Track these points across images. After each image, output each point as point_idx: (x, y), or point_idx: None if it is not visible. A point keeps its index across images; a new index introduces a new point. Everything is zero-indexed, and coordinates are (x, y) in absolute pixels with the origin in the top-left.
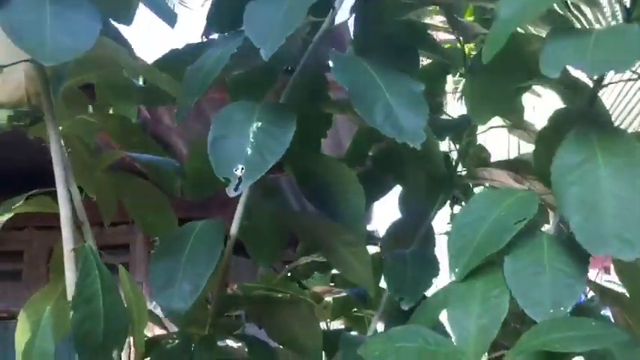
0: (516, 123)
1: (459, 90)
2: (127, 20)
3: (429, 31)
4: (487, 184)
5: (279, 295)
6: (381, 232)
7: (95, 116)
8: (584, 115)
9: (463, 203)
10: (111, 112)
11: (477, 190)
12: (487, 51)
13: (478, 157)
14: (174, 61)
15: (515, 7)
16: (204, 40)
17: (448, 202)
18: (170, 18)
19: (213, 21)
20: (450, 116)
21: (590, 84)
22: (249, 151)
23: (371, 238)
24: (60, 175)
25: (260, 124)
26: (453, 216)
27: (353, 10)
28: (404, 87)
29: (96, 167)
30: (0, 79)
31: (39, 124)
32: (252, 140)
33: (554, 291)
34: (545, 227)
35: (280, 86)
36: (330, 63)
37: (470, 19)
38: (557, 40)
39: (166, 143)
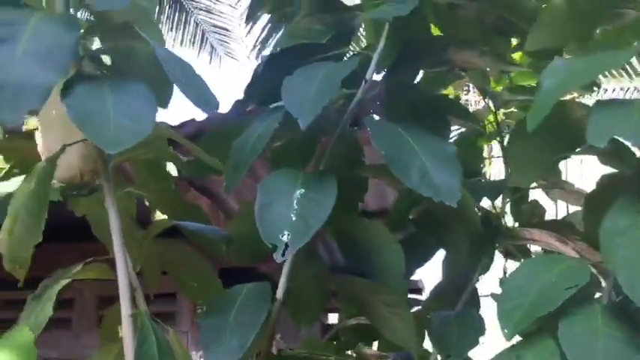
0: (555, 183)
1: (492, 154)
2: (163, 104)
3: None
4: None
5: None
6: (425, 282)
7: (139, 188)
8: (631, 181)
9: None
10: None
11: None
12: (531, 120)
13: (532, 213)
14: (218, 136)
15: (559, 78)
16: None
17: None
18: (210, 103)
19: (252, 95)
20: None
21: (637, 152)
22: (294, 217)
23: (415, 289)
24: (118, 245)
25: (303, 190)
26: (505, 269)
27: (384, 79)
28: (437, 148)
29: (144, 237)
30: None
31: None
32: (297, 207)
33: (608, 356)
34: (597, 295)
35: (319, 154)
36: (368, 130)
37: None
38: (602, 111)
39: (213, 194)
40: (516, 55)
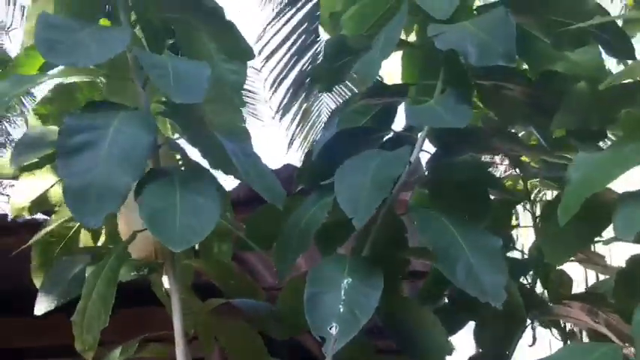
0: (587, 258)
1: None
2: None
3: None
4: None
5: None
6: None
7: (197, 262)
8: None
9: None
10: None
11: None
12: (562, 215)
13: (560, 282)
14: (266, 213)
15: (586, 174)
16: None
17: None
18: (276, 193)
19: (303, 178)
20: (520, 250)
21: None
22: (342, 308)
23: None
24: (178, 326)
25: (350, 280)
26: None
27: (429, 163)
28: (483, 243)
29: (201, 310)
30: None
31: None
32: (344, 297)
33: None
34: None
35: (363, 234)
36: (414, 222)
37: None
38: (630, 204)
39: (243, 260)
40: None
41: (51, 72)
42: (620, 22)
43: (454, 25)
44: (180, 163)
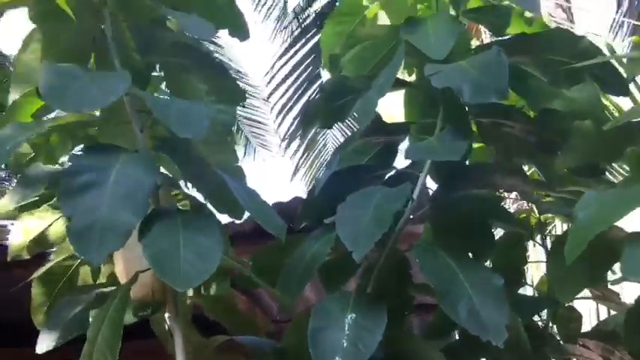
0: (601, 293)
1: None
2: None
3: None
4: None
5: None
6: None
7: (199, 299)
8: None
9: None
10: None
11: None
12: (569, 253)
13: (569, 318)
14: (270, 250)
15: (593, 213)
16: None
17: None
18: (278, 227)
19: (307, 214)
20: (531, 285)
21: None
22: (345, 343)
23: None
24: None
25: (354, 315)
26: None
27: (432, 199)
28: (484, 281)
29: (204, 346)
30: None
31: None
32: (348, 332)
33: None
34: None
35: (367, 270)
36: (416, 260)
37: None
38: (638, 244)
39: (250, 291)
40: None
41: (49, 117)
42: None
43: (450, 65)
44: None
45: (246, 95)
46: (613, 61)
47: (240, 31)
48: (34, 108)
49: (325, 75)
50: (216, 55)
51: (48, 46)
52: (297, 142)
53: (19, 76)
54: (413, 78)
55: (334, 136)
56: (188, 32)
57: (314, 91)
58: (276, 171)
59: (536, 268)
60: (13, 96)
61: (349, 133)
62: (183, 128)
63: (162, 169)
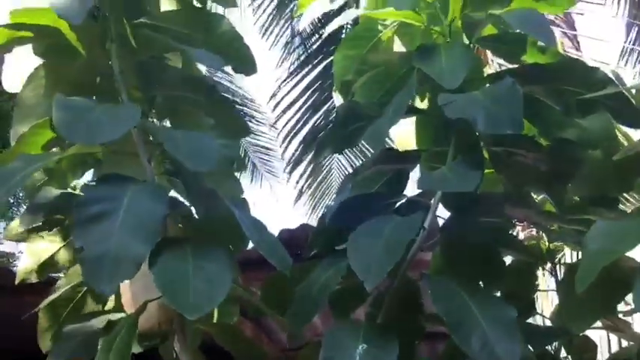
0: (613, 323)
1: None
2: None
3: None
4: None
5: None
6: None
7: (207, 326)
8: None
9: None
10: None
11: None
12: (579, 283)
13: (584, 348)
14: (279, 278)
15: (603, 243)
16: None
17: None
18: (283, 259)
19: (317, 242)
20: (541, 314)
21: None
22: None
23: None
24: None
25: (365, 346)
26: None
27: (443, 228)
28: (497, 312)
29: None
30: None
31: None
32: None
33: None
34: None
35: (377, 299)
36: (429, 291)
37: None
38: None
39: (268, 331)
40: None
41: (57, 149)
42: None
43: (463, 95)
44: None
45: (253, 122)
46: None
47: (247, 66)
48: (43, 140)
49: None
50: (223, 81)
51: (54, 80)
52: (301, 167)
53: (23, 111)
54: (425, 104)
55: (339, 162)
56: (197, 62)
57: (320, 117)
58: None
59: (546, 296)
60: (18, 129)
61: (354, 159)
62: (193, 161)
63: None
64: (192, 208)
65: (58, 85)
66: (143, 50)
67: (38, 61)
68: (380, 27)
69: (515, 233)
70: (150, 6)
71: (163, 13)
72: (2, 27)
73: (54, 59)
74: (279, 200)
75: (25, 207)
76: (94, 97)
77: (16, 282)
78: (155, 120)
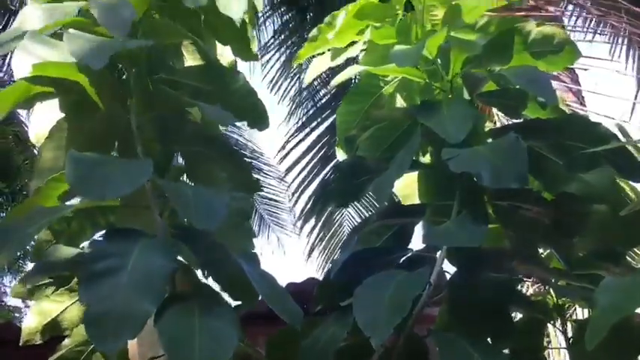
0: None
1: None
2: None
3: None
4: None
5: None
6: None
7: None
8: None
9: None
10: None
11: None
12: (590, 340)
13: None
14: (286, 333)
15: (613, 299)
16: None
17: None
18: (293, 315)
19: (323, 297)
20: None
21: None
22: None
23: None
24: None
25: None
26: None
27: (449, 283)
28: None
29: None
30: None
31: None
32: None
33: None
34: None
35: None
36: (437, 349)
37: None
38: None
39: None
40: None
41: (71, 202)
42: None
43: (467, 149)
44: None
45: (261, 174)
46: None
47: (260, 121)
48: (58, 192)
49: (339, 155)
50: (232, 134)
51: (74, 134)
52: (312, 221)
53: (44, 164)
54: (427, 157)
55: (350, 216)
56: (209, 119)
57: (329, 170)
58: (291, 250)
59: (558, 353)
60: (37, 182)
61: (366, 213)
62: (201, 219)
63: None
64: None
65: (78, 139)
66: (161, 105)
67: (62, 114)
68: (381, 83)
69: (524, 288)
70: (173, 61)
71: (182, 68)
72: (24, 80)
73: (74, 113)
74: (286, 253)
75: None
76: (114, 151)
77: (21, 343)
78: (171, 177)
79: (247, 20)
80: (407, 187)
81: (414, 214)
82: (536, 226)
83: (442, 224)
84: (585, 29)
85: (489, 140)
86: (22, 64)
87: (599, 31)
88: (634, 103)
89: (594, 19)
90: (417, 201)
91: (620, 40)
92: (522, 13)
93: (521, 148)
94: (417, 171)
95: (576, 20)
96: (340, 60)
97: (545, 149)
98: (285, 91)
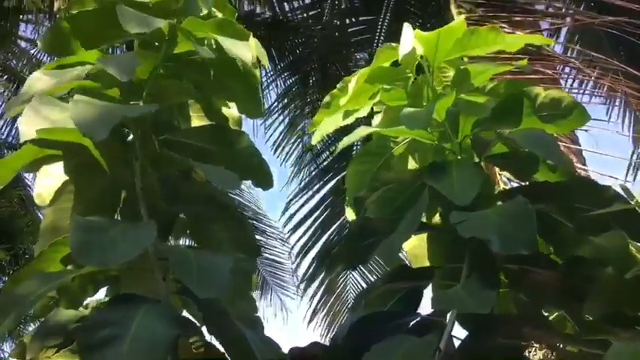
0: None
1: None
2: None
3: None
4: None
5: None
6: None
7: None
8: None
9: None
10: None
11: None
12: None
13: None
14: None
15: None
16: None
17: None
18: None
19: None
20: None
21: None
22: None
23: None
24: None
25: None
26: None
27: (460, 350)
28: None
29: None
30: None
31: None
32: None
33: None
34: None
35: None
36: None
37: None
38: None
39: None
40: None
41: (74, 267)
42: None
43: (476, 213)
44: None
45: (264, 236)
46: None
47: (264, 181)
48: (61, 255)
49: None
50: (235, 196)
51: (80, 196)
52: (315, 283)
53: (49, 226)
54: (437, 217)
55: (354, 278)
56: (214, 182)
57: (332, 232)
58: (293, 312)
59: None
60: (41, 245)
61: (370, 276)
62: (204, 288)
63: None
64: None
65: (83, 201)
66: (166, 166)
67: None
68: (391, 144)
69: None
70: (179, 120)
71: (187, 129)
72: (30, 143)
73: (80, 176)
74: (290, 314)
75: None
76: (118, 213)
77: None
78: (174, 234)
79: (256, 75)
80: (417, 247)
81: (422, 277)
82: (547, 290)
83: (451, 288)
84: (582, 91)
85: (498, 202)
86: (28, 127)
87: (595, 93)
88: (637, 163)
89: (591, 81)
90: (427, 261)
91: (616, 102)
92: (526, 76)
93: (530, 214)
94: (425, 233)
95: (572, 82)
96: (349, 120)
97: (555, 212)
98: (288, 153)
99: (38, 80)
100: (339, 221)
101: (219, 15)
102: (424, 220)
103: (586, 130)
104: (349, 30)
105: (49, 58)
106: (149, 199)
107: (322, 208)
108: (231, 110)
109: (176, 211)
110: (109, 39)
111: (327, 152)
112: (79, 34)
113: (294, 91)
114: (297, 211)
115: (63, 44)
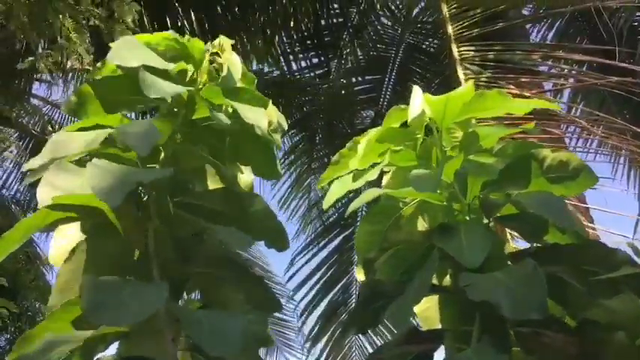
0: None
1: None
2: None
3: None
4: None
5: None
6: None
7: None
8: None
9: None
10: None
11: None
12: None
13: None
14: None
15: None
16: None
17: None
18: None
19: None
20: None
21: None
22: None
23: None
24: None
25: None
26: None
27: None
28: None
29: None
30: None
31: None
32: None
33: None
34: None
35: None
36: None
37: None
38: None
39: None
40: None
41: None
42: None
43: (486, 276)
44: None
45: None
46: None
47: (279, 242)
48: (73, 317)
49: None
50: (242, 253)
51: (92, 255)
52: (320, 344)
53: (62, 286)
54: (447, 279)
55: (358, 339)
56: (226, 244)
57: (338, 291)
58: None
59: None
60: (54, 304)
61: (373, 336)
62: (215, 348)
63: None
64: None
65: (96, 261)
66: (179, 228)
67: (82, 236)
68: (401, 204)
69: None
70: (194, 183)
71: (202, 192)
72: (46, 208)
73: (94, 236)
74: None
75: None
76: (131, 273)
77: None
78: (187, 295)
79: (274, 139)
80: (428, 310)
81: (433, 340)
82: (559, 353)
83: (462, 352)
84: (587, 150)
85: (509, 262)
86: (45, 195)
87: (599, 151)
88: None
89: (596, 140)
90: (438, 323)
91: (621, 160)
92: (533, 137)
93: (540, 277)
94: (435, 295)
95: (577, 141)
96: (360, 184)
97: (566, 275)
98: (294, 210)
99: (59, 144)
100: (345, 279)
101: (239, 83)
102: (435, 281)
103: (594, 188)
104: (355, 88)
105: (59, 116)
106: (162, 259)
107: (327, 266)
108: (244, 175)
109: (188, 273)
110: (130, 105)
111: (333, 209)
112: (102, 99)
113: (300, 148)
114: (302, 267)
115: (86, 108)
